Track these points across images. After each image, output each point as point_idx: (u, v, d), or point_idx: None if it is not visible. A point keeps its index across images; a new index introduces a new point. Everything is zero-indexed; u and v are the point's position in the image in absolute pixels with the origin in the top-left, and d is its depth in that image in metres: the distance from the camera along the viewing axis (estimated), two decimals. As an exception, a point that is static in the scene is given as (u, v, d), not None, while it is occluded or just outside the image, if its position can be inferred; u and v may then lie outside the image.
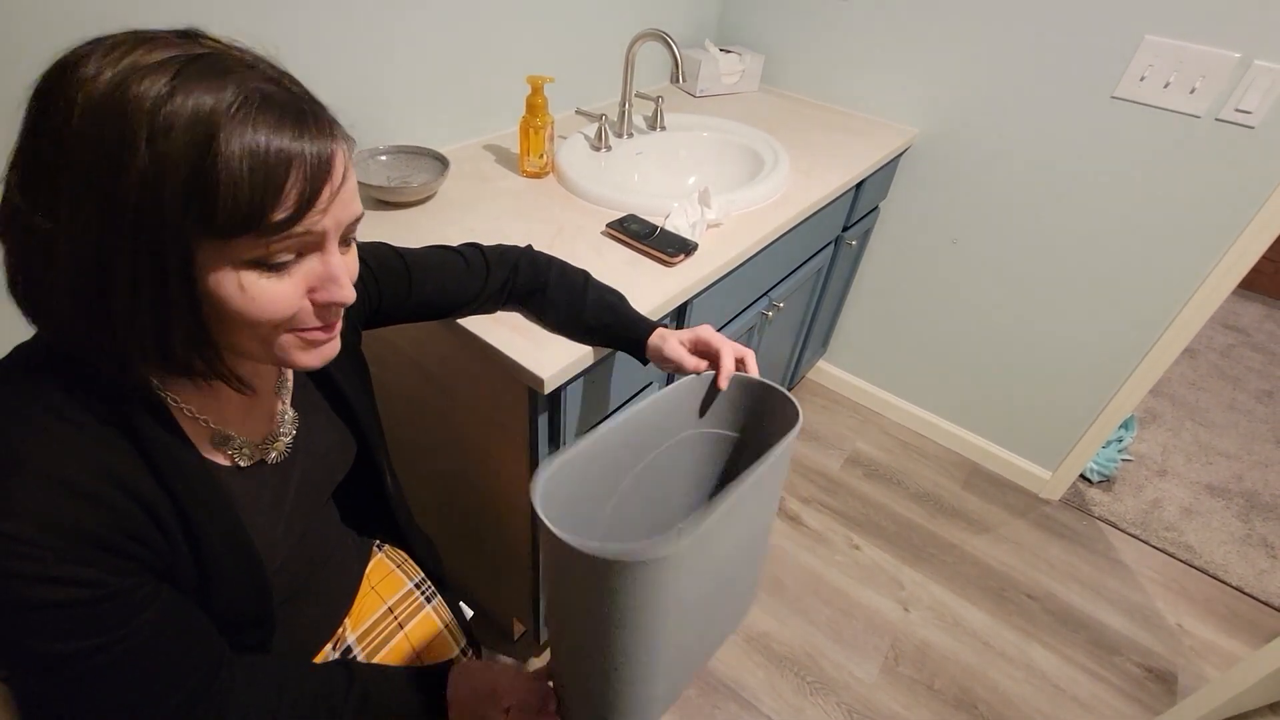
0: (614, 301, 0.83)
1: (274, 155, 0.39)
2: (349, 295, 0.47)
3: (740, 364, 0.74)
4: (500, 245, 0.84)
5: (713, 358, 0.74)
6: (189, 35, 0.41)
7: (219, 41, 0.42)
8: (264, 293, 0.42)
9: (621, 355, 0.93)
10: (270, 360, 0.47)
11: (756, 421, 0.73)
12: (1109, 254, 1.48)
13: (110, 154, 0.36)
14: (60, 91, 0.37)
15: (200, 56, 0.39)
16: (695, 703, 1.31)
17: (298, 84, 0.44)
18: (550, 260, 0.85)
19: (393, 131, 1.14)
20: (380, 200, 1.03)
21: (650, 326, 0.81)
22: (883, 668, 1.41)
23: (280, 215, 0.40)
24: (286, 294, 0.44)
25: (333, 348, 0.51)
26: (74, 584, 0.41)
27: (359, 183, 0.99)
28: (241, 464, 0.55)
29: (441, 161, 1.09)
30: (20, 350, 0.46)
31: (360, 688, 0.62)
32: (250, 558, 0.55)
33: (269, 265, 0.42)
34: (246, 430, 0.56)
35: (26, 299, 0.42)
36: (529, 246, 0.86)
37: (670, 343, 0.77)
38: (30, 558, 0.39)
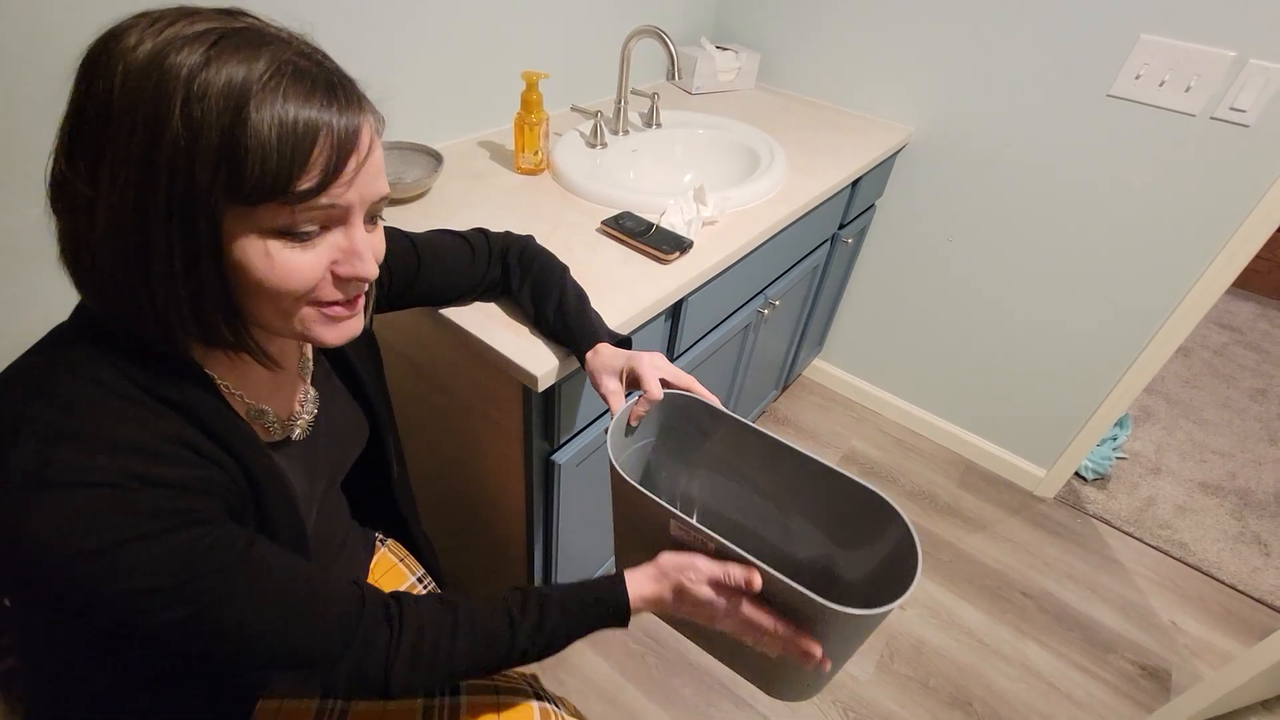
0: (571, 309, 0.79)
1: (302, 125, 0.40)
2: (372, 270, 0.48)
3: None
4: (506, 234, 0.85)
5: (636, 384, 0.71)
6: (230, 12, 0.42)
7: (258, 19, 0.44)
8: (287, 262, 0.43)
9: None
10: (291, 334, 0.48)
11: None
12: (1104, 252, 1.49)
13: (147, 120, 0.38)
14: (104, 62, 0.39)
15: (238, 30, 0.40)
16: (691, 701, 1.31)
17: (330, 60, 0.45)
18: (534, 257, 0.84)
19: (387, 127, 1.13)
20: (374, 197, 1.02)
21: (589, 343, 0.76)
22: (878, 666, 1.41)
23: (306, 184, 0.41)
24: (310, 265, 0.44)
25: (355, 325, 0.51)
26: (158, 515, 0.41)
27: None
28: (275, 438, 0.57)
29: (435, 158, 1.08)
30: (60, 331, 0.47)
31: (538, 594, 0.59)
32: (298, 523, 0.56)
33: (294, 235, 0.43)
34: (275, 406, 0.57)
35: (74, 266, 0.43)
36: (529, 237, 0.86)
37: (601, 376, 0.73)
38: (113, 499, 0.39)
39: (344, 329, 0.50)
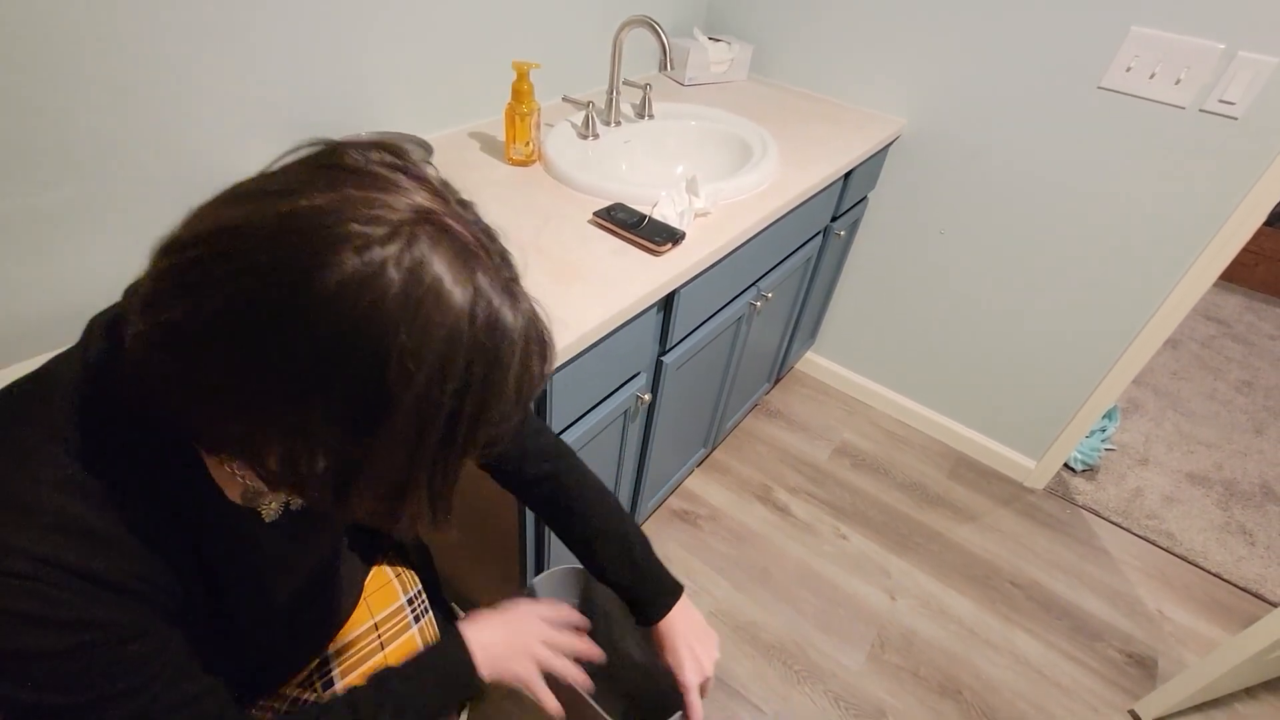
0: (638, 558, 0.75)
1: (536, 384, 0.42)
2: None
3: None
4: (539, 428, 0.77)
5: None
6: (420, 210, 0.37)
7: (439, 212, 0.38)
8: None
9: (609, 347, 0.93)
10: None
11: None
12: (1094, 244, 1.49)
13: (378, 361, 0.35)
14: (338, 309, 0.34)
15: (469, 253, 0.38)
16: (683, 692, 1.31)
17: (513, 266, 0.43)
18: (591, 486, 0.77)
19: (375, 117, 1.12)
20: (363, 188, 1.01)
21: (667, 605, 0.73)
22: (869, 655, 1.42)
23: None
24: None
25: None
26: (86, 627, 0.39)
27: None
28: (267, 519, 0.54)
29: (425, 148, 1.07)
30: (57, 369, 0.43)
31: (378, 673, 0.58)
32: (266, 592, 0.55)
33: None
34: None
35: (139, 382, 0.39)
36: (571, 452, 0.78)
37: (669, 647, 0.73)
38: (42, 597, 0.37)
39: None
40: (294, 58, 0.95)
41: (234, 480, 0.48)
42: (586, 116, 1.27)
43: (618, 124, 1.34)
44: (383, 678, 0.58)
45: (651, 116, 1.40)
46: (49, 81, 0.74)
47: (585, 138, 1.27)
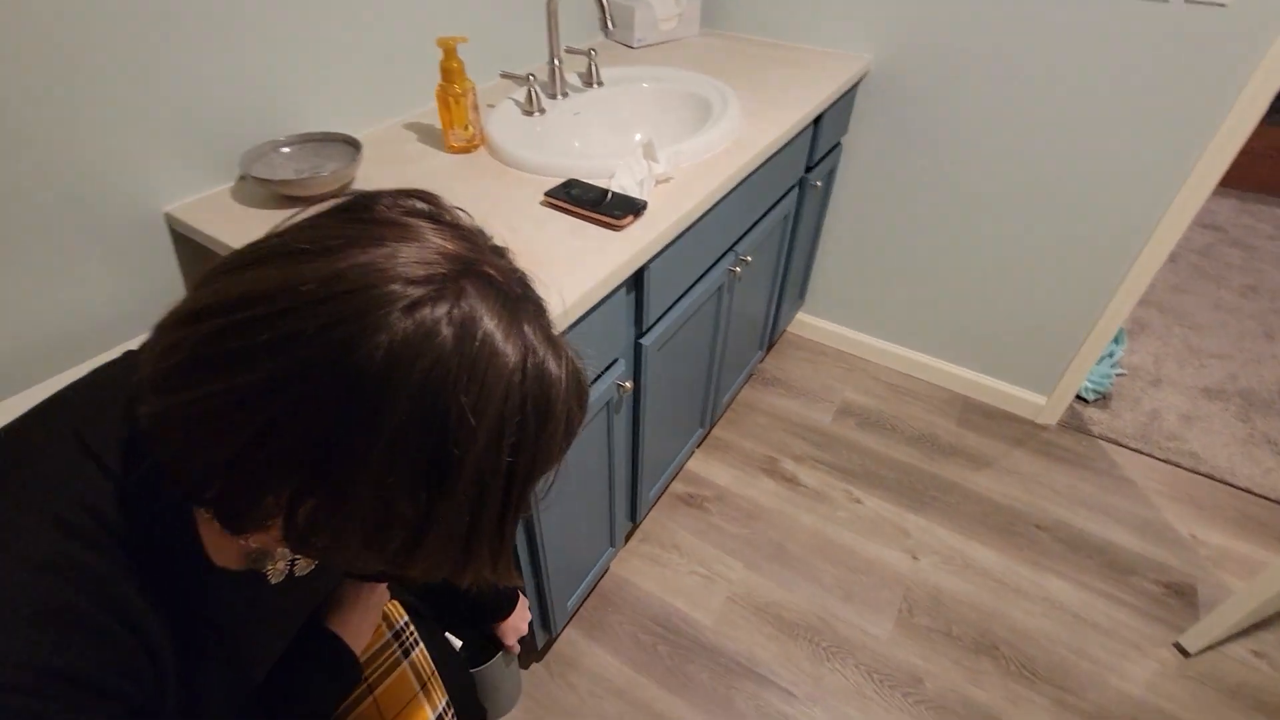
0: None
1: (576, 432, 0.42)
2: None
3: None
4: None
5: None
6: (463, 261, 0.36)
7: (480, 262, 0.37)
8: None
9: (577, 337, 0.85)
10: None
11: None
12: (1086, 161, 1.41)
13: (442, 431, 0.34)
14: (372, 321, 0.33)
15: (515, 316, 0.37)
16: (709, 685, 1.25)
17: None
18: None
19: (300, 119, 1.02)
20: (289, 196, 0.92)
21: (509, 613, 0.95)
22: (897, 621, 1.36)
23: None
24: None
25: None
26: None
27: (260, 179, 0.88)
28: (273, 580, 0.52)
29: (354, 146, 0.98)
30: (32, 433, 0.41)
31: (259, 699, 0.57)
32: (247, 671, 0.53)
33: None
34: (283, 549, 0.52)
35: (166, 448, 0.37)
36: None
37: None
38: (23, 710, 0.33)
39: None
40: (199, 63, 0.86)
41: (232, 545, 0.46)
42: (529, 91, 1.17)
43: (565, 95, 1.25)
44: (267, 693, 0.57)
45: (600, 84, 1.30)
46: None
47: (530, 114, 1.18)
